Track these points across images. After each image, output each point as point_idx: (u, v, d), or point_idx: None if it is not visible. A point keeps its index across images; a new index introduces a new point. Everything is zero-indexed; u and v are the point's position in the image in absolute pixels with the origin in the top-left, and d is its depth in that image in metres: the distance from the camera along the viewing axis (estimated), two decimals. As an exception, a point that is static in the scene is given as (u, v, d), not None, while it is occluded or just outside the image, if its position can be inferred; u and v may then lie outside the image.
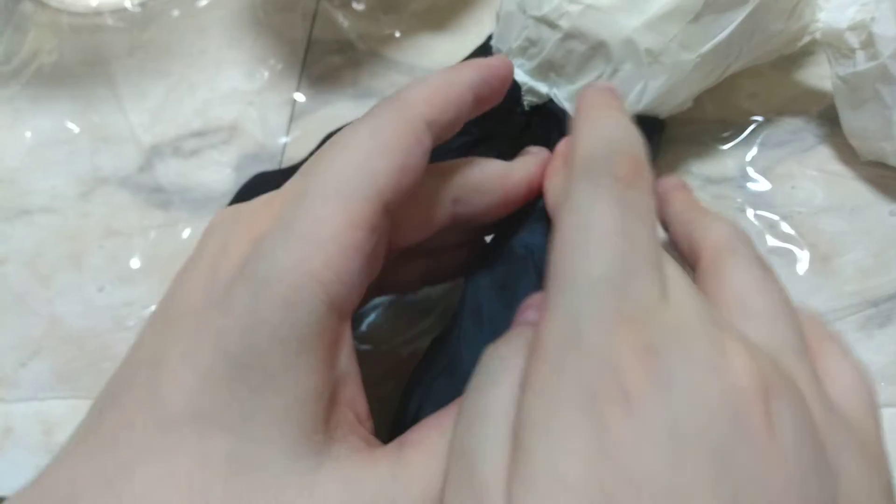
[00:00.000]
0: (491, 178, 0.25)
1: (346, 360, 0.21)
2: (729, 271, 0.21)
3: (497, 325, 0.26)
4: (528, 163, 0.26)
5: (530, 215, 0.27)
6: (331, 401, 0.20)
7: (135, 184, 0.36)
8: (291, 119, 0.37)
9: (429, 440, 0.20)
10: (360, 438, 0.20)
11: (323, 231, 0.19)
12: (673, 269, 0.19)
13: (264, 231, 0.20)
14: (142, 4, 0.40)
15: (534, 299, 0.22)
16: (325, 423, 0.19)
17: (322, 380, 0.19)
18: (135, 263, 0.34)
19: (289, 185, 0.22)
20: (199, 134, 0.37)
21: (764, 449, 0.16)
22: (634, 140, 0.21)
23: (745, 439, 0.16)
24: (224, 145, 0.37)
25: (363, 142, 0.21)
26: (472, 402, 0.19)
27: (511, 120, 0.30)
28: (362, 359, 0.27)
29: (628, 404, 0.16)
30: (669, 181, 0.26)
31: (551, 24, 0.28)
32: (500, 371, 0.19)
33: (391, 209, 0.21)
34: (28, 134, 0.37)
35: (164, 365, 0.19)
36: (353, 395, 0.21)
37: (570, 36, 0.27)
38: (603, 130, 0.21)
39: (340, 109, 0.37)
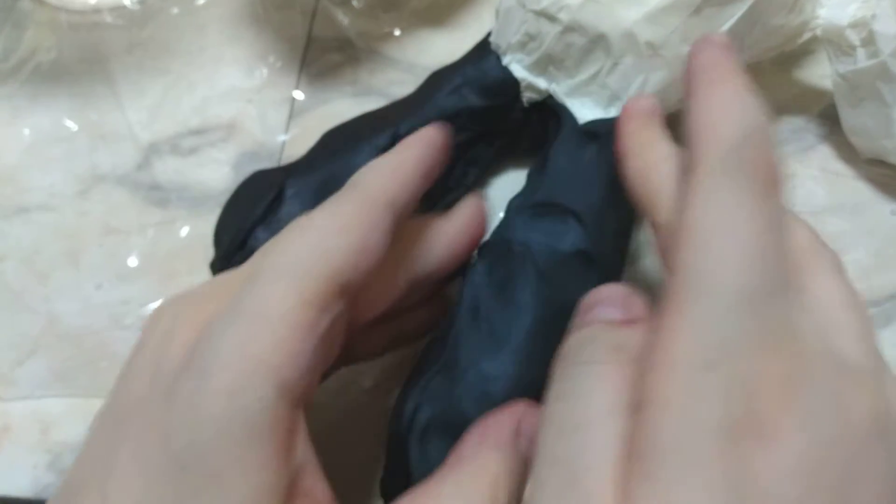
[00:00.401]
0: (438, 238, 0.25)
1: (303, 449, 0.19)
2: (817, 278, 0.19)
3: (494, 324, 0.26)
4: (467, 214, 0.26)
5: (521, 213, 0.27)
6: (288, 495, 0.18)
7: (133, 182, 0.36)
8: (290, 117, 0.37)
9: None
10: None
11: (272, 311, 0.18)
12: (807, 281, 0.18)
13: (211, 315, 0.19)
14: (140, 2, 0.39)
15: (601, 294, 0.20)
16: None
17: (275, 475, 0.18)
18: (133, 261, 0.34)
19: (243, 267, 0.21)
20: (197, 132, 0.37)
21: (881, 487, 0.16)
22: (769, 132, 0.19)
23: (865, 477, 0.16)
24: (223, 143, 0.37)
25: (320, 223, 0.21)
26: (563, 410, 0.18)
27: (510, 116, 0.30)
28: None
29: (767, 439, 0.16)
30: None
31: (551, 18, 0.27)
32: (590, 378, 0.18)
33: (349, 290, 0.20)
34: (26, 131, 0.37)
35: (114, 469, 0.18)
36: (312, 484, 0.19)
37: (569, 29, 0.27)
38: (738, 115, 0.19)
39: (340, 107, 0.37)
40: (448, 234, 0.26)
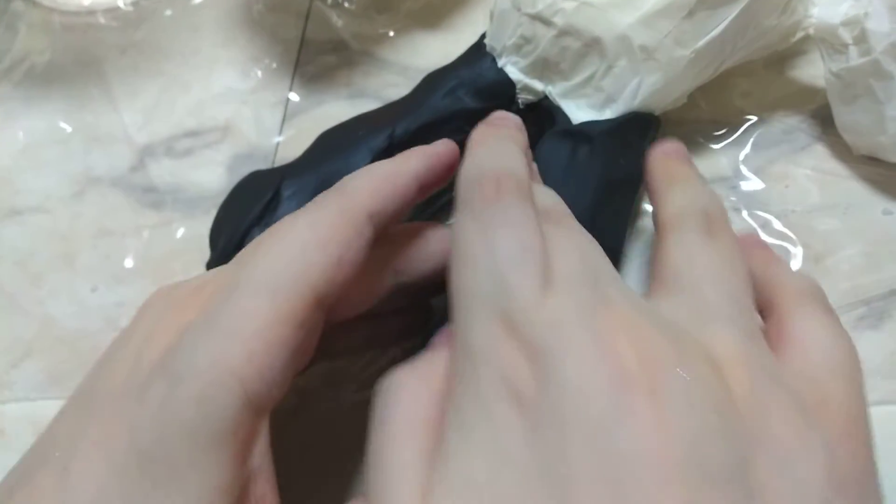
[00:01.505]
0: (433, 246, 0.25)
1: (260, 456, 0.20)
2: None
3: None
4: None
5: None
6: (239, 498, 0.19)
7: (128, 183, 0.36)
8: (285, 119, 0.37)
9: None
10: None
11: (247, 326, 0.19)
12: (562, 263, 0.19)
13: (190, 321, 0.19)
14: (134, 3, 0.39)
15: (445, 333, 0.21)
16: None
17: (230, 477, 0.18)
18: (128, 263, 0.34)
19: (222, 273, 0.21)
20: (192, 133, 0.37)
21: (647, 426, 0.16)
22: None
23: (627, 419, 0.16)
24: (217, 145, 0.37)
25: (300, 234, 0.21)
26: (378, 430, 0.19)
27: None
28: (351, 365, 0.26)
29: (521, 404, 0.17)
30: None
31: (546, 22, 0.28)
32: (399, 392, 0.19)
33: (325, 302, 0.20)
34: (20, 134, 0.37)
35: (78, 449, 0.19)
36: (264, 492, 0.20)
37: (564, 33, 0.27)
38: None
39: (334, 109, 0.37)
40: (442, 245, 0.25)
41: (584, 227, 0.27)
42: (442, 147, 0.25)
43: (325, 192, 0.23)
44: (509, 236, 0.19)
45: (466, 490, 0.16)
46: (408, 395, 0.19)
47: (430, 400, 0.19)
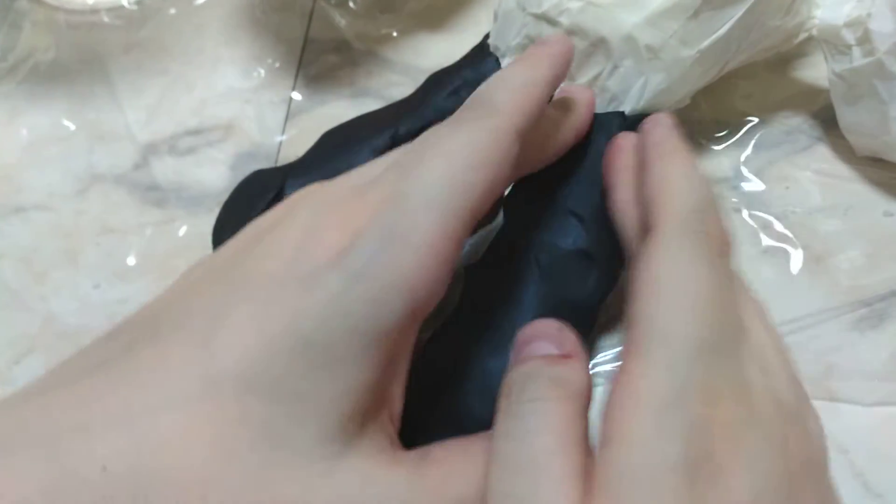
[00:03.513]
0: (552, 137, 0.26)
1: (404, 361, 0.21)
2: (754, 324, 0.22)
3: (496, 321, 0.26)
4: (580, 114, 0.27)
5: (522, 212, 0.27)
6: (381, 396, 0.20)
7: (131, 181, 0.36)
8: (287, 118, 0.37)
9: (451, 459, 0.21)
10: (388, 437, 0.21)
11: (421, 239, 0.20)
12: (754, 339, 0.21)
13: (361, 226, 0.20)
14: (138, 2, 0.40)
15: (535, 330, 0.22)
16: (362, 415, 0.20)
17: (380, 376, 0.20)
18: (130, 261, 0.34)
19: (383, 182, 0.22)
20: (195, 132, 0.37)
21: None
22: (716, 201, 0.23)
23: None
24: (220, 143, 0.37)
25: (461, 152, 0.21)
26: (512, 449, 0.19)
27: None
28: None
29: (719, 477, 0.18)
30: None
31: (551, 21, 0.28)
32: (535, 415, 0.20)
33: (478, 220, 0.21)
34: (24, 131, 0.37)
35: (227, 319, 0.19)
36: (395, 395, 0.21)
37: (570, 33, 0.27)
38: (692, 183, 0.23)
39: (336, 109, 0.37)
40: (562, 134, 0.26)
41: (593, 224, 0.27)
42: (559, 46, 0.25)
43: (472, 104, 0.23)
44: (734, 300, 0.21)
45: None
46: (551, 412, 0.20)
47: (569, 422, 0.19)
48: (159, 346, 0.19)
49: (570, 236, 0.27)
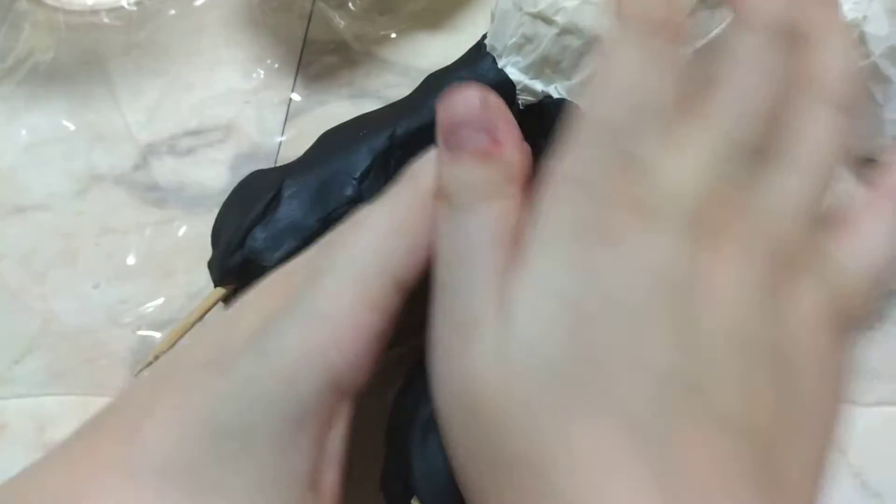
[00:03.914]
0: None
1: (337, 444, 0.20)
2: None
3: None
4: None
5: None
6: (309, 484, 0.19)
7: (130, 182, 0.36)
8: (287, 118, 0.37)
9: None
10: None
11: (334, 310, 0.20)
12: (684, 131, 0.20)
13: (278, 306, 0.20)
14: (138, 3, 0.40)
15: (455, 110, 0.22)
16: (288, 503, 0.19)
17: (305, 461, 0.19)
18: (130, 261, 0.34)
19: (307, 262, 0.22)
20: (195, 132, 0.37)
21: (710, 287, 0.19)
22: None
23: (695, 280, 0.19)
24: (220, 144, 0.37)
25: (378, 222, 0.21)
26: (449, 246, 0.21)
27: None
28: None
29: (613, 243, 0.19)
30: None
31: (547, 21, 0.28)
32: (473, 215, 0.21)
33: (403, 287, 0.21)
34: (24, 132, 0.37)
35: (152, 412, 0.19)
36: (334, 480, 0.20)
37: (566, 31, 0.28)
38: None
39: (336, 109, 0.37)
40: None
41: None
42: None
43: (396, 180, 0.24)
44: (665, 83, 0.20)
45: (546, 297, 0.19)
46: (480, 219, 0.20)
47: (505, 225, 0.20)
48: (96, 435, 0.20)
49: None
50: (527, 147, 0.22)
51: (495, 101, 0.21)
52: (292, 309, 0.20)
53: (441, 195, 0.21)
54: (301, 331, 0.19)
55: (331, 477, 0.20)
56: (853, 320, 0.21)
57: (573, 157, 0.20)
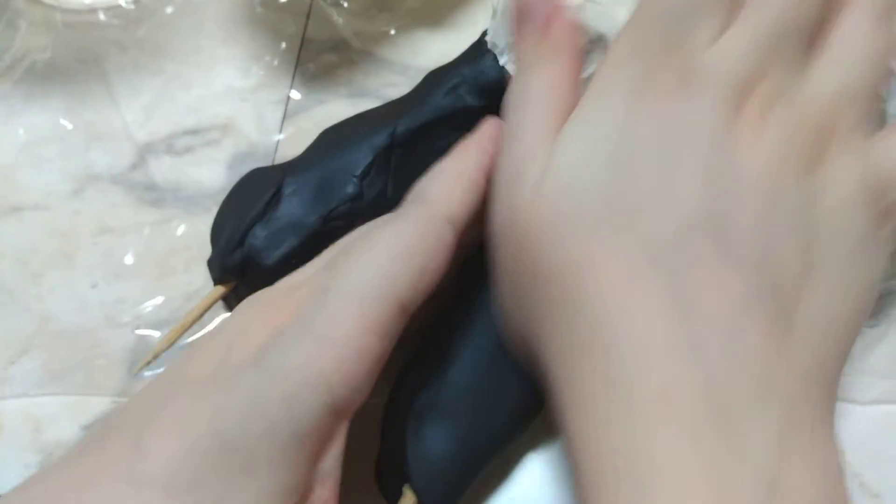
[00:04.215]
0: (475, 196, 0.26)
1: (332, 462, 0.21)
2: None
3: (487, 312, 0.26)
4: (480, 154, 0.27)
5: None
6: (302, 497, 0.20)
7: (128, 181, 0.36)
8: (285, 117, 0.37)
9: None
10: None
11: (337, 333, 0.20)
12: (736, 12, 0.23)
13: (283, 323, 0.20)
14: (136, 1, 0.39)
15: None
16: None
17: (300, 477, 0.19)
18: (128, 260, 0.34)
19: (313, 279, 0.22)
20: (192, 131, 0.37)
21: (746, 149, 0.21)
22: None
23: (732, 143, 0.21)
24: (218, 143, 0.37)
25: (387, 244, 0.22)
26: (512, 98, 0.25)
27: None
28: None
29: (658, 98, 0.22)
30: None
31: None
32: (533, 71, 0.25)
33: (408, 310, 0.21)
34: (21, 131, 0.37)
35: (156, 423, 0.19)
36: (327, 498, 0.21)
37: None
38: None
39: (334, 108, 0.37)
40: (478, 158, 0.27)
41: None
42: (490, 129, 0.26)
43: (408, 199, 0.24)
44: None
45: (591, 134, 0.22)
46: (539, 72, 0.24)
47: (561, 78, 0.24)
48: (101, 451, 0.20)
49: None
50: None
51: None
52: (297, 328, 0.20)
53: (513, 60, 0.26)
54: (304, 352, 0.20)
55: (324, 495, 0.21)
56: (892, 206, 0.22)
57: (631, 33, 0.23)
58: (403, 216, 0.23)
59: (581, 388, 0.20)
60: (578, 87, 0.24)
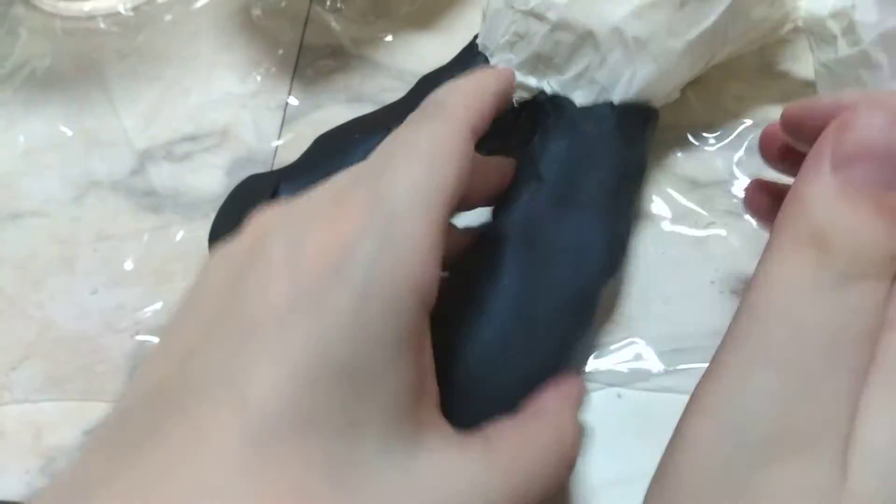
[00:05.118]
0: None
1: (429, 352, 0.21)
2: None
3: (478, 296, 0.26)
4: (502, 160, 0.28)
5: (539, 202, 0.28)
6: (418, 393, 0.20)
7: (127, 187, 0.36)
8: (283, 123, 0.37)
9: (512, 439, 0.21)
10: (444, 426, 0.21)
11: (414, 234, 0.20)
12: None
13: (349, 236, 0.20)
14: (135, 9, 0.40)
15: (863, 134, 0.19)
16: (416, 416, 0.20)
17: (416, 376, 0.20)
18: (127, 266, 0.34)
19: (357, 189, 0.21)
20: (191, 138, 0.37)
21: None
22: None
23: None
24: (216, 149, 0.37)
25: (428, 149, 0.21)
26: (809, 336, 0.19)
27: (500, 116, 0.30)
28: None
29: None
30: None
31: (539, 17, 0.28)
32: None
33: (452, 211, 0.22)
34: (21, 138, 0.37)
35: (250, 370, 0.18)
36: (431, 383, 0.21)
37: (557, 27, 0.28)
38: None
39: (332, 113, 0.37)
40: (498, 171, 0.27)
41: (602, 217, 0.27)
42: (506, 71, 0.26)
43: (425, 107, 0.24)
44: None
45: None
46: (866, 302, 0.18)
47: (877, 315, 0.18)
48: (189, 415, 0.18)
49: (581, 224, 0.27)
50: None
51: None
52: (372, 236, 0.19)
53: (811, 242, 0.19)
54: (390, 258, 0.19)
55: (430, 381, 0.21)
56: None
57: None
58: (432, 123, 0.22)
59: None
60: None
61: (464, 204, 0.26)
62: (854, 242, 0.18)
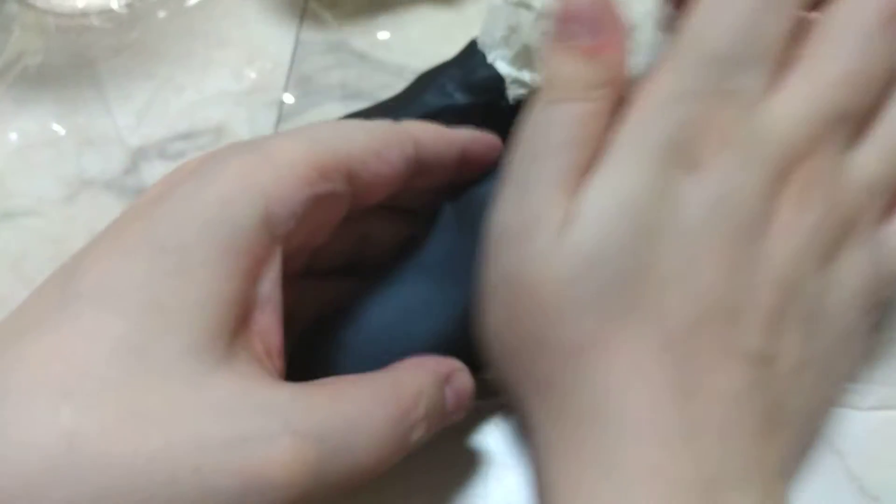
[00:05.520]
0: (447, 136, 0.26)
1: (269, 286, 0.20)
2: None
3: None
4: (486, 135, 0.27)
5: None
6: (242, 319, 0.19)
7: (121, 186, 0.36)
8: (279, 120, 0.37)
9: (341, 385, 0.21)
10: (264, 367, 0.20)
11: (281, 156, 0.20)
12: (789, 77, 0.21)
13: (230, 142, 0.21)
14: (128, 5, 0.39)
15: (576, 6, 0.22)
16: (230, 336, 0.19)
17: (237, 290, 0.19)
18: (120, 266, 0.34)
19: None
20: (185, 136, 0.37)
21: (775, 235, 0.21)
22: None
23: (766, 226, 0.21)
24: (211, 147, 0.36)
25: (356, 122, 0.23)
26: (527, 140, 0.22)
27: (496, 115, 0.30)
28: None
29: (693, 167, 0.21)
30: None
31: (527, 7, 0.28)
32: (556, 113, 0.22)
33: (354, 181, 0.21)
34: (13, 136, 0.37)
35: (94, 246, 0.19)
36: (269, 326, 0.20)
37: (542, 16, 0.27)
38: None
39: (328, 110, 0.37)
40: (463, 136, 0.27)
41: None
42: (489, 138, 0.26)
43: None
44: (776, 23, 0.21)
45: (616, 203, 0.20)
46: (565, 117, 0.22)
47: (587, 128, 0.21)
48: (47, 280, 0.20)
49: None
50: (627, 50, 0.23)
51: (611, 6, 0.22)
52: (239, 147, 0.21)
53: (546, 87, 0.22)
54: (244, 163, 0.20)
55: (264, 320, 0.20)
56: (881, 301, 0.23)
57: (671, 77, 0.21)
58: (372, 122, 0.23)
59: (568, 454, 0.21)
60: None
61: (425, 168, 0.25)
62: (554, 75, 0.22)
